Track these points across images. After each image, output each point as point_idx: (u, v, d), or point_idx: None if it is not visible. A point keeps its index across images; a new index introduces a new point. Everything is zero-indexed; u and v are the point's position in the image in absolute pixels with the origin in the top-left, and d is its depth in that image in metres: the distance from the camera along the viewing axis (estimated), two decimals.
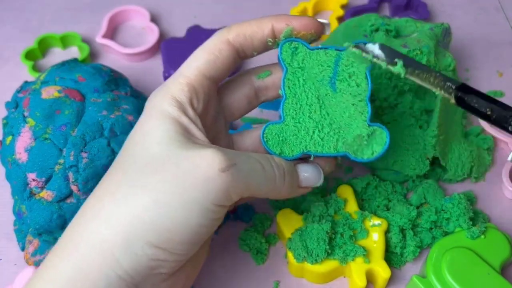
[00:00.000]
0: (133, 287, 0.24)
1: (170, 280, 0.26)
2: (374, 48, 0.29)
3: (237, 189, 0.25)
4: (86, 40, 0.50)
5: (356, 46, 0.30)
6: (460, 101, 0.27)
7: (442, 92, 0.27)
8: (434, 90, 0.27)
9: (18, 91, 0.39)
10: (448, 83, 0.27)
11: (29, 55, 0.48)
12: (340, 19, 0.50)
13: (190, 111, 0.27)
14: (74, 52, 0.50)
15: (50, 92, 0.36)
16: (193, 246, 0.25)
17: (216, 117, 0.31)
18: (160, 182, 0.24)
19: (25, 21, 0.53)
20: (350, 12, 0.51)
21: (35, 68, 0.48)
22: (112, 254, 0.23)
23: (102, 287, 0.23)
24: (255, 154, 0.28)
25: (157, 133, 0.25)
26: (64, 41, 0.50)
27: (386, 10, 0.53)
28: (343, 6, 0.52)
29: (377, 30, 0.40)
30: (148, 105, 0.28)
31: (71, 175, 0.33)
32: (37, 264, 0.34)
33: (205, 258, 0.30)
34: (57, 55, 0.50)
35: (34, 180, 0.33)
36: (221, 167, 0.24)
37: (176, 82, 0.27)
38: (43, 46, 0.50)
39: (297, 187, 0.30)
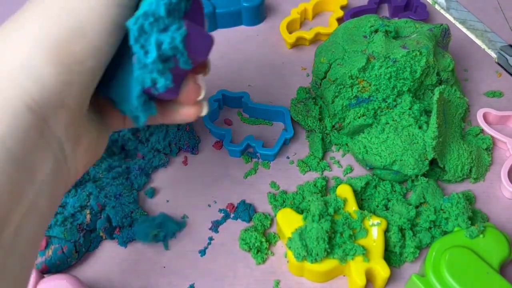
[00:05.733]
0: (42, 121, 0.22)
1: (80, 126, 0.24)
2: None
3: None
4: None
5: None
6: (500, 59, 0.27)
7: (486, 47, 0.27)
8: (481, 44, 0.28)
9: None
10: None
11: None
12: (340, 20, 0.51)
13: None
14: None
15: None
16: (98, 61, 0.23)
17: None
18: None
19: None
20: (350, 13, 0.51)
21: None
22: (15, 79, 0.21)
23: (8, 121, 0.21)
24: None
25: None
26: None
27: (385, 11, 0.53)
28: (343, 7, 0.52)
29: (376, 31, 0.40)
30: None
31: None
32: (38, 267, 0.34)
33: (105, 145, 0.29)
34: None
35: None
36: None
37: None
38: None
39: None
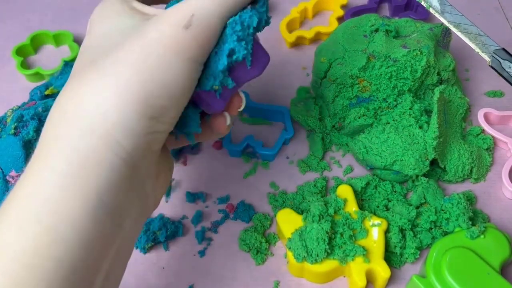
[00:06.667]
0: (132, 168, 0.23)
1: (158, 163, 0.26)
2: None
3: (203, 38, 0.24)
4: (79, 40, 0.51)
5: None
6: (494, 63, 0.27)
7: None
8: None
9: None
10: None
11: (21, 51, 0.49)
12: (340, 19, 0.50)
13: None
14: (67, 50, 0.51)
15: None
16: (177, 111, 0.25)
17: None
18: (133, 54, 0.23)
19: (26, 21, 0.53)
20: (350, 12, 0.51)
21: (25, 64, 0.48)
22: (111, 135, 0.22)
23: (106, 176, 0.22)
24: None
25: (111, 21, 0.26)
26: (57, 39, 0.50)
27: (385, 10, 0.53)
28: (343, 6, 0.52)
29: (377, 30, 0.40)
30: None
31: None
32: None
33: (172, 169, 0.30)
34: (50, 52, 0.51)
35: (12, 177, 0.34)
36: (183, 24, 0.23)
37: None
38: (36, 43, 0.50)
39: None
